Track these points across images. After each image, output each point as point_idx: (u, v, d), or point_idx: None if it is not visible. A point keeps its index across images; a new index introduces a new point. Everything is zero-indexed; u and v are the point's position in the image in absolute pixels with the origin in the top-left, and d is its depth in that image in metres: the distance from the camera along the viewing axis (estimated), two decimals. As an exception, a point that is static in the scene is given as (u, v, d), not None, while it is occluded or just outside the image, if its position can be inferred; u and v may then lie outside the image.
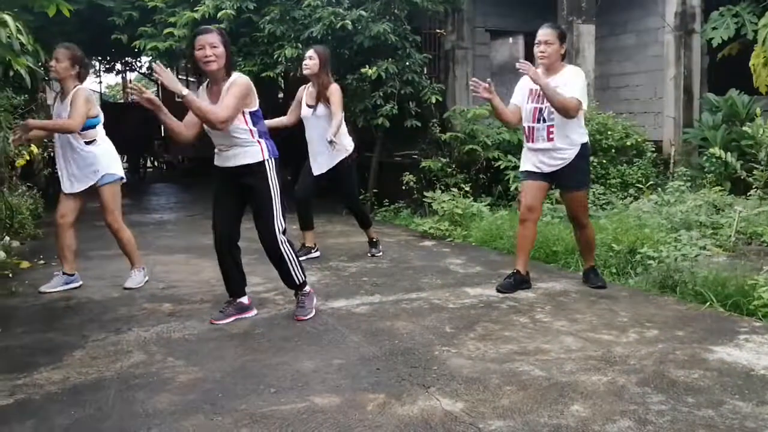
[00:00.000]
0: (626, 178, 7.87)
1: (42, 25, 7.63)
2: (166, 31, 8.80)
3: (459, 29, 9.77)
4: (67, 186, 4.90)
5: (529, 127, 4.72)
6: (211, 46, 3.84)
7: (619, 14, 9.95)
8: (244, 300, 4.22)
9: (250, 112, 3.96)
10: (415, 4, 8.49)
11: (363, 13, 7.97)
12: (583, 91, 4.59)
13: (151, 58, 9.72)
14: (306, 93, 5.83)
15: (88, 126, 4.85)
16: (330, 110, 5.66)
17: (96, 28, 9.93)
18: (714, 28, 8.31)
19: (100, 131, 4.96)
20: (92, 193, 4.94)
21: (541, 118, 4.66)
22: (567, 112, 4.49)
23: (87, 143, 4.86)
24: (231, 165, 4.01)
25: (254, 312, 4.24)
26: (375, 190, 8.92)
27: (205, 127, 3.91)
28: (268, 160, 4.00)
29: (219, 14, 8.24)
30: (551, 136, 4.63)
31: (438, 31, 9.76)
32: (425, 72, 8.89)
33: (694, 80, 9.14)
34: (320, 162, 5.83)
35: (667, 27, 9.11)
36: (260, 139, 4.00)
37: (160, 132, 19.42)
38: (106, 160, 4.93)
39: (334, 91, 5.68)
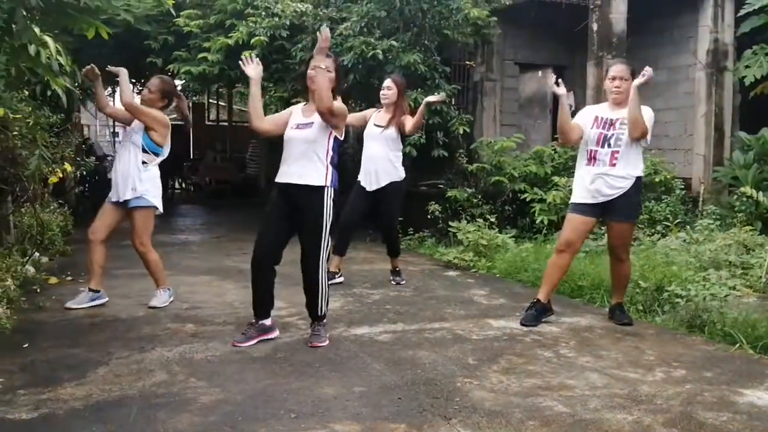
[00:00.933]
0: (654, 214, 7.79)
1: (80, 47, 7.80)
2: (200, 56, 8.96)
3: (488, 61, 9.83)
4: (113, 194, 5.03)
5: (592, 150, 4.71)
6: (327, 70, 3.96)
7: (651, 51, 9.93)
8: (267, 322, 4.22)
9: (335, 137, 4.08)
10: (445, 35, 8.57)
11: (394, 43, 8.05)
12: (650, 123, 4.70)
13: (184, 81, 9.88)
14: (376, 116, 6.09)
15: (153, 151, 5.05)
16: (397, 134, 6.04)
17: (132, 51, 10.12)
18: (747, 66, 8.25)
19: (157, 162, 5.12)
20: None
21: (607, 143, 4.69)
22: (636, 128, 4.59)
23: (143, 163, 4.99)
24: (293, 182, 4.04)
25: (276, 333, 4.24)
26: (401, 219, 8.91)
27: (287, 133, 4.07)
28: (329, 187, 4.05)
29: (252, 41, 8.38)
30: (614, 161, 4.65)
31: (467, 62, 9.82)
32: (454, 103, 8.93)
33: (726, 118, 9.07)
34: (377, 179, 6.00)
35: (699, 64, 9.08)
36: (330, 165, 4.07)
37: (189, 154, 19.72)
38: (149, 185, 5.03)
39: (410, 118, 6.06)
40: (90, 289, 5.04)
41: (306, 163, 4.02)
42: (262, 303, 4.19)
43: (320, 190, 4.01)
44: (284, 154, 4.13)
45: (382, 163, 5.97)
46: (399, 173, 6.05)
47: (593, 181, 4.67)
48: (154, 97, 5.07)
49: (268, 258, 4.10)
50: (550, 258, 4.91)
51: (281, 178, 4.11)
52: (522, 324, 4.69)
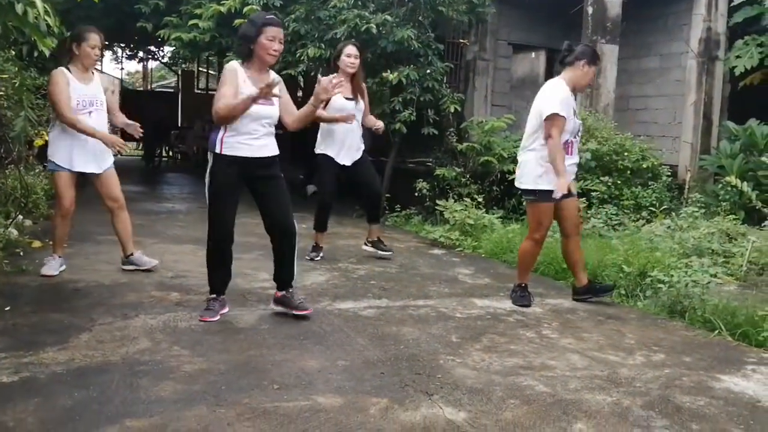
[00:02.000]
0: (640, 200, 7.83)
1: (69, 8, 7.68)
2: (191, 22, 8.85)
3: (482, 41, 9.79)
4: (101, 165, 4.96)
5: (571, 141, 4.69)
6: (280, 42, 3.90)
7: (644, 37, 9.94)
8: (224, 296, 4.21)
9: None
10: (440, 12, 8.50)
11: (388, 17, 7.98)
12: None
13: (174, 48, 9.76)
14: (341, 88, 5.81)
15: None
16: (364, 104, 5.95)
17: (121, 14, 10.01)
18: (738, 57, 8.27)
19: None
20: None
21: (578, 133, 4.78)
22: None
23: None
24: (262, 155, 3.99)
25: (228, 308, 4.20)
26: (387, 195, 8.92)
27: (243, 112, 3.85)
28: None
29: (245, 9, 8.26)
30: (576, 149, 4.76)
31: (461, 41, 9.77)
32: (446, 81, 8.89)
33: (714, 107, 9.11)
34: (356, 152, 5.95)
35: (690, 52, 9.09)
36: None
37: (176, 122, 19.56)
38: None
39: (365, 87, 5.95)
40: (59, 256, 5.00)
41: (268, 138, 4.05)
42: (227, 277, 4.18)
43: (277, 156, 4.10)
44: (247, 129, 3.94)
45: (357, 136, 5.93)
46: (365, 143, 6.09)
47: (571, 170, 4.70)
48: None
49: (231, 234, 4.07)
50: (524, 245, 4.86)
51: (250, 152, 3.95)
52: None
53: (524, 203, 4.95)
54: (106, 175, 5.02)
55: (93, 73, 4.98)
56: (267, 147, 4.02)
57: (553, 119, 4.49)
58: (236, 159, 3.90)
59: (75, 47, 4.83)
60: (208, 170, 3.94)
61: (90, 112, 4.88)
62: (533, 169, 4.64)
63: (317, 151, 5.93)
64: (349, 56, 5.81)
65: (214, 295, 4.11)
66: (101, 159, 4.97)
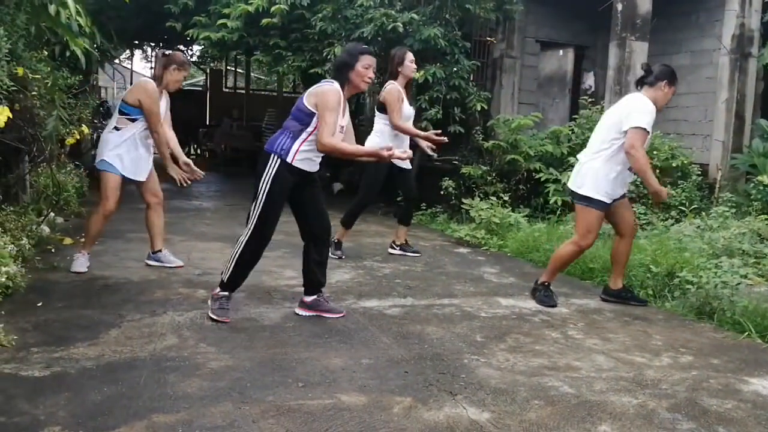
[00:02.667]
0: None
1: (100, 8, 7.80)
2: (219, 22, 8.92)
3: (509, 38, 9.73)
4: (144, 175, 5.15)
5: None
6: (374, 71, 4.02)
7: (675, 34, 9.80)
8: None
9: None
10: (467, 10, 8.48)
11: (414, 16, 7.98)
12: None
13: (203, 47, 9.85)
14: (402, 96, 5.92)
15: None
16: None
17: (151, 14, 10.13)
18: (772, 53, 8.13)
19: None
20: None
21: None
22: None
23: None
24: (317, 169, 4.08)
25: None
26: (413, 193, 8.91)
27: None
28: None
29: (273, 9, 8.33)
30: None
31: (488, 38, 9.73)
32: (472, 79, 8.87)
33: (747, 105, 8.94)
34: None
35: (723, 49, 8.94)
36: None
37: (204, 120, 19.74)
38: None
39: None
40: (88, 253, 5.09)
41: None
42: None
43: None
44: (315, 145, 3.98)
45: (407, 142, 6.03)
46: None
47: (627, 177, 4.70)
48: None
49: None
50: (565, 249, 4.80)
51: (312, 167, 4.04)
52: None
53: (574, 207, 4.89)
54: (150, 172, 5.18)
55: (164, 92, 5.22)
56: (317, 162, 4.11)
57: (640, 132, 4.44)
58: (301, 172, 3.96)
59: (174, 70, 5.12)
60: (269, 173, 3.89)
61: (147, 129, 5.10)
62: (598, 177, 4.58)
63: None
64: (412, 62, 5.96)
65: (227, 293, 4.07)
66: (146, 168, 5.17)
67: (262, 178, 3.91)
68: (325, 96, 3.86)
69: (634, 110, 4.49)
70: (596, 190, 4.58)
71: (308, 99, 3.91)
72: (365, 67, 3.95)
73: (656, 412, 2.99)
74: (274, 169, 3.89)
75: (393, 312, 4.38)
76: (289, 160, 3.89)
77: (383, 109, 5.89)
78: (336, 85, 3.94)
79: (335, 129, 3.87)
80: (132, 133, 5.01)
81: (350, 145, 4.07)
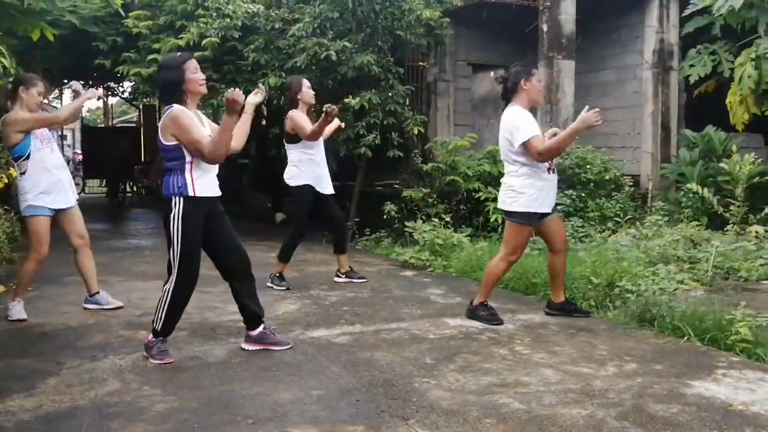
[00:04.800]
0: (604, 211, 7.95)
1: (25, 48, 7.61)
2: (149, 57, 8.80)
3: (441, 62, 9.91)
4: (61, 201, 4.91)
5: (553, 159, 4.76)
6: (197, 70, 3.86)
7: (599, 51, 10.15)
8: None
9: None
10: (398, 36, 8.60)
11: (347, 44, 8.05)
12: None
13: (134, 83, 9.70)
14: (307, 118, 5.90)
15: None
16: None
17: (79, 52, 9.92)
18: (691, 65, 8.48)
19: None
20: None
21: None
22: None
23: None
24: (219, 194, 3.96)
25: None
26: (357, 219, 8.93)
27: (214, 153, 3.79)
28: None
29: (203, 42, 8.28)
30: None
31: (421, 63, 9.88)
32: (408, 103, 8.97)
33: (672, 116, 9.32)
34: (328, 182, 6.03)
35: (645, 64, 9.30)
36: None
37: (139, 157, 19.38)
38: None
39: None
40: (21, 299, 4.90)
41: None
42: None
43: None
44: (205, 166, 3.85)
45: (326, 169, 6.02)
46: None
47: (552, 189, 4.76)
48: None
49: None
50: (497, 265, 4.85)
51: (214, 191, 3.93)
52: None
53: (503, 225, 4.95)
54: (73, 212, 5.03)
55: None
56: (217, 184, 3.99)
57: (532, 141, 4.53)
58: (207, 200, 3.84)
59: (23, 91, 4.83)
60: (177, 215, 3.76)
61: (51, 149, 4.92)
62: (522, 192, 4.64)
63: (294, 183, 5.89)
64: (309, 87, 5.94)
65: (161, 338, 3.93)
66: (71, 192, 5.01)
67: (171, 223, 3.78)
68: (174, 123, 3.72)
69: (514, 128, 4.60)
70: (523, 204, 4.64)
71: (163, 136, 3.78)
72: (194, 71, 3.82)
73: (605, 421, 3.04)
74: (180, 209, 3.77)
75: (341, 340, 4.34)
76: (191, 193, 3.77)
77: (293, 139, 5.85)
78: (175, 109, 3.76)
79: (206, 140, 3.72)
80: (37, 165, 4.79)
81: (220, 131, 3.73)
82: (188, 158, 3.77)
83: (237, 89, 3.65)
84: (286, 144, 5.98)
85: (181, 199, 3.77)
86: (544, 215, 4.72)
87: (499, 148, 4.85)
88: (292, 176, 5.91)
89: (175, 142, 3.75)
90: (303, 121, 5.78)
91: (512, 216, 4.70)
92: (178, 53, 4.03)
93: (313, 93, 6.01)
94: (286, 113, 5.93)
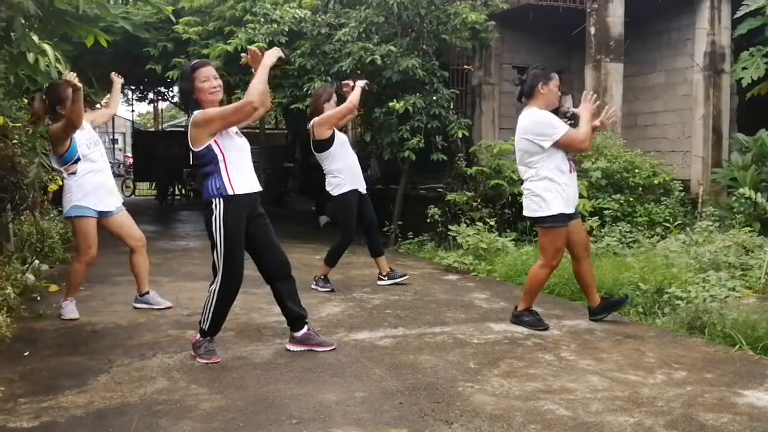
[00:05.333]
0: (653, 216, 7.80)
1: (79, 54, 7.83)
2: (198, 62, 8.97)
3: (486, 65, 9.86)
4: (103, 204, 5.02)
5: (570, 157, 4.72)
6: (215, 78, 3.92)
7: (648, 54, 9.97)
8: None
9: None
10: (443, 40, 8.59)
11: (392, 48, 8.07)
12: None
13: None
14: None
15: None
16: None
17: (131, 58, 10.17)
18: (744, 68, 8.27)
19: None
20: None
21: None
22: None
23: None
24: (258, 189, 4.01)
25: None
26: (400, 223, 8.94)
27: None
28: None
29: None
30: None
31: (466, 66, 9.85)
32: (452, 107, 8.95)
33: (723, 120, 9.09)
34: (362, 181, 6.11)
35: (696, 67, 9.10)
36: None
37: (187, 160, 19.75)
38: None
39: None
40: (73, 299, 5.04)
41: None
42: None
43: None
44: (239, 163, 3.93)
45: (371, 172, 6.10)
46: None
47: (573, 188, 4.71)
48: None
49: None
50: (539, 272, 4.78)
51: (253, 188, 3.98)
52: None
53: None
54: (121, 217, 5.13)
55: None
56: (256, 179, 4.05)
57: (565, 137, 4.52)
58: (246, 197, 3.90)
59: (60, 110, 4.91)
60: (218, 217, 3.82)
61: (100, 153, 5.06)
62: (545, 195, 4.60)
63: (338, 192, 5.95)
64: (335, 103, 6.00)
65: (209, 337, 4.00)
66: (116, 197, 5.14)
67: (213, 225, 3.84)
68: (199, 123, 3.81)
69: (541, 129, 4.55)
70: (548, 207, 4.59)
71: (193, 143, 3.85)
72: (203, 81, 3.86)
73: (653, 430, 2.98)
74: (221, 210, 3.83)
75: (385, 343, 4.35)
76: (231, 192, 3.83)
77: (322, 147, 5.88)
78: (194, 114, 3.85)
79: (230, 108, 3.84)
80: (85, 168, 4.91)
81: (255, 82, 3.80)
82: (221, 156, 3.84)
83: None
84: (317, 155, 6.00)
85: (221, 200, 3.84)
86: (570, 217, 4.67)
87: (517, 153, 4.78)
88: (335, 186, 5.99)
89: (206, 145, 3.83)
90: (328, 112, 5.83)
91: (544, 222, 4.64)
92: (194, 61, 4.06)
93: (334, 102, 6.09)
94: (309, 121, 5.97)
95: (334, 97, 6.01)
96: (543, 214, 4.62)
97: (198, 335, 4.01)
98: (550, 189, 4.59)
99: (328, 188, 6.04)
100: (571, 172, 4.69)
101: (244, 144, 4.02)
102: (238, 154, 3.92)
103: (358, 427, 2.99)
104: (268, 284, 4.15)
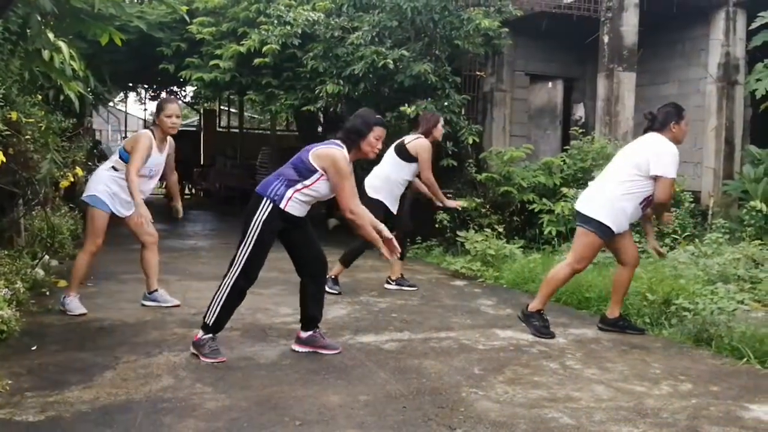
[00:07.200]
0: (662, 227, 7.75)
1: (94, 52, 7.88)
2: (212, 63, 9.03)
3: (499, 72, 9.85)
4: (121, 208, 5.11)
5: (650, 197, 4.67)
6: (382, 142, 4.09)
7: (662, 63, 9.94)
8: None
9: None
10: (456, 45, 8.60)
11: (405, 53, 8.09)
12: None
13: (196, 87, 9.95)
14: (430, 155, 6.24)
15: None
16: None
17: (144, 57, 10.24)
18: (758, 80, 8.22)
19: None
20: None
21: None
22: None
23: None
24: (305, 215, 4.10)
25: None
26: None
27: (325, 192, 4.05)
28: None
29: (264, 49, 8.44)
30: None
31: (478, 72, 9.84)
32: (463, 113, 8.95)
33: (736, 131, 9.05)
34: (397, 203, 6.28)
35: (709, 78, 9.07)
36: None
37: (198, 160, 19.82)
38: None
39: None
40: (75, 294, 5.06)
41: None
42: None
43: None
44: (310, 199, 4.05)
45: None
46: None
47: (635, 217, 4.73)
48: None
49: None
50: (560, 269, 4.79)
51: (304, 213, 4.09)
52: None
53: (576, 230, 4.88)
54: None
55: (167, 140, 5.16)
56: (307, 210, 4.14)
57: (671, 182, 4.52)
58: (292, 217, 3.98)
59: (157, 116, 5.07)
60: (261, 216, 3.89)
61: (150, 177, 5.11)
62: (615, 207, 4.59)
63: (373, 195, 6.04)
64: (443, 126, 6.43)
65: (211, 335, 4.01)
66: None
67: (253, 220, 3.91)
68: (338, 164, 3.89)
69: (662, 156, 4.51)
70: (608, 218, 4.58)
71: (315, 159, 3.93)
72: (377, 138, 4.02)
73: (657, 441, 2.97)
74: (266, 213, 3.90)
75: (390, 347, 4.35)
76: (282, 206, 3.91)
77: (409, 159, 6.10)
78: (344, 150, 3.96)
79: (355, 193, 3.96)
80: (124, 179, 4.95)
81: (371, 222, 4.05)
82: (307, 183, 3.94)
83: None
84: (395, 155, 6.14)
85: (271, 204, 3.91)
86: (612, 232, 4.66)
87: (622, 157, 4.74)
88: (372, 187, 6.09)
89: (317, 169, 3.92)
90: (428, 157, 6.13)
91: (589, 223, 4.62)
92: (378, 116, 4.19)
93: (443, 131, 6.46)
94: (418, 133, 6.22)
95: (441, 122, 6.38)
96: (594, 217, 4.61)
97: (200, 332, 4.02)
98: (620, 202, 4.59)
99: (366, 184, 6.13)
100: (643, 207, 4.68)
101: (324, 195, 4.05)
102: (315, 195, 4.00)
103: (361, 430, 3.00)
104: (301, 278, 4.19)
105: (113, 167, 5.04)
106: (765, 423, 3.21)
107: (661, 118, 4.69)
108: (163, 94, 20.52)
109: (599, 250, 4.76)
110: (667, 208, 4.67)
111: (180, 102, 5.32)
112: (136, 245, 5.34)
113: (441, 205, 6.65)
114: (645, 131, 4.81)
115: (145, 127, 5.34)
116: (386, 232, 4.07)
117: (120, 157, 5.04)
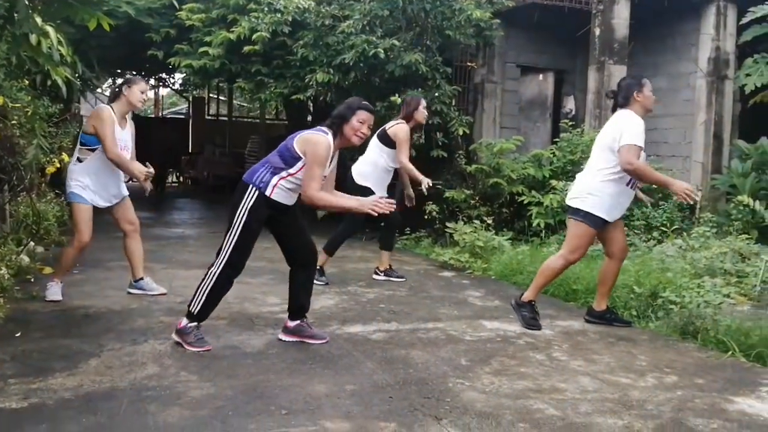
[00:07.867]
0: (650, 220, 7.80)
1: (82, 37, 7.80)
2: (201, 49, 8.95)
3: (490, 63, 9.84)
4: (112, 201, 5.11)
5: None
6: (369, 127, 4.00)
7: (652, 57, 9.95)
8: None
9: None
10: (447, 36, 8.57)
11: (396, 42, 8.05)
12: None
13: (185, 75, 9.86)
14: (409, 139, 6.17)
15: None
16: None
17: (133, 43, 10.13)
18: (748, 75, 8.24)
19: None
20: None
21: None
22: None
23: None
24: (293, 203, 4.05)
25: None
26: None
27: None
28: None
29: (254, 36, 8.37)
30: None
31: (469, 63, 9.83)
32: (454, 104, 8.93)
33: (725, 126, 9.08)
34: (385, 189, 6.21)
35: (699, 72, 9.09)
36: None
37: (187, 147, 19.71)
38: None
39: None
40: (60, 281, 5.04)
41: None
42: None
43: None
44: (296, 189, 3.98)
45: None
46: None
47: (627, 200, 4.71)
48: None
49: None
50: (554, 261, 4.79)
51: (291, 201, 4.04)
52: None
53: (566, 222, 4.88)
54: (123, 203, 5.15)
55: (128, 119, 5.11)
56: (295, 199, 4.09)
57: (632, 148, 4.45)
58: (279, 204, 3.94)
59: (125, 89, 4.99)
60: (246, 204, 3.85)
61: (122, 150, 5.02)
62: (602, 194, 4.58)
63: (360, 182, 6.02)
64: (425, 108, 6.23)
65: (196, 324, 3.97)
66: (118, 193, 5.12)
67: (240, 209, 3.87)
68: (316, 148, 3.84)
69: (627, 128, 4.51)
70: (595, 207, 4.58)
71: (298, 144, 3.89)
72: (360, 121, 3.94)
73: (642, 433, 2.98)
74: (252, 201, 3.87)
75: (377, 337, 4.35)
76: (267, 193, 3.87)
77: (390, 144, 6.00)
78: (329, 136, 3.91)
79: (320, 182, 3.86)
80: (96, 163, 4.93)
81: (334, 198, 4.03)
82: (292, 171, 3.88)
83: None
84: (378, 141, 6.08)
85: (257, 192, 3.87)
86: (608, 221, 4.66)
87: (596, 144, 4.74)
88: (360, 174, 6.06)
89: (300, 155, 3.86)
90: (407, 142, 6.04)
91: (577, 214, 4.63)
92: (364, 101, 4.10)
93: (427, 114, 6.34)
94: (400, 119, 6.13)
95: (423, 104, 6.20)
96: (580, 207, 4.61)
97: (184, 320, 3.99)
98: (602, 188, 4.57)
99: (353, 171, 6.14)
100: (630, 186, 4.65)
101: (325, 178, 3.98)
102: (300, 183, 3.90)
103: (347, 419, 2.99)
104: (290, 267, 4.17)
105: (78, 159, 4.98)
106: (749, 415, 3.23)
107: (623, 93, 4.68)
108: (152, 81, 20.38)
109: (592, 240, 4.76)
110: (639, 177, 4.56)
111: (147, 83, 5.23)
112: (118, 233, 5.29)
113: (411, 189, 6.54)
114: (612, 111, 4.82)
115: (134, 113, 5.28)
116: (363, 199, 4.02)
117: (82, 144, 4.97)
